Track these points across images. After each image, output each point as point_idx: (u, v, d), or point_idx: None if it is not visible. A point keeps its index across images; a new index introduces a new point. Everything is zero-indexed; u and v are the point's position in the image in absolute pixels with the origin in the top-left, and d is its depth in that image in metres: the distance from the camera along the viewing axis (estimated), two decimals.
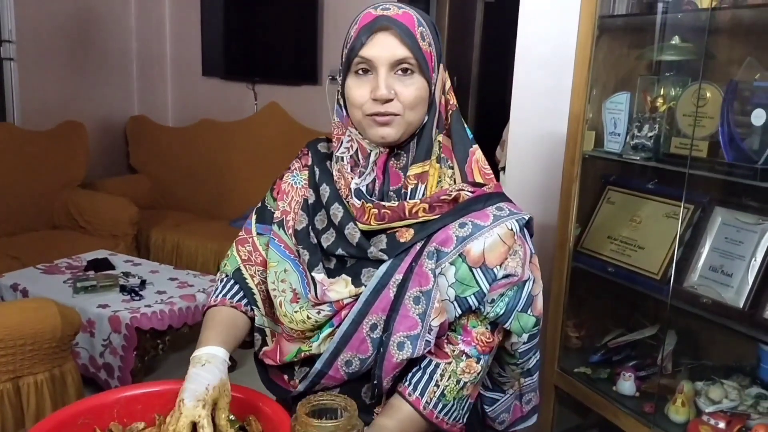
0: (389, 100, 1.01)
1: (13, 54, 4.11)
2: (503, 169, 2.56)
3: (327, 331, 1.08)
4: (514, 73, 2.14)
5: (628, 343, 1.89)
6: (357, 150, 1.10)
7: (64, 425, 1.05)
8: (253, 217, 1.24)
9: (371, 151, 1.08)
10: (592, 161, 1.86)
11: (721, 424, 1.53)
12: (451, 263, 1.02)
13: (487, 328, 1.06)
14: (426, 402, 1.04)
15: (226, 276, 1.23)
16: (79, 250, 3.52)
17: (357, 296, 1.05)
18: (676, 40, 1.74)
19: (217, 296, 1.21)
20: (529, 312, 1.06)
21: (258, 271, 1.21)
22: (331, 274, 1.09)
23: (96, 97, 4.62)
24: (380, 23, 1.01)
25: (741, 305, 1.49)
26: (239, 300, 1.20)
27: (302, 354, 1.11)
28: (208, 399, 0.95)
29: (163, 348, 2.91)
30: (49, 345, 2.24)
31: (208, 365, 1.00)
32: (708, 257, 1.61)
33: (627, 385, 1.77)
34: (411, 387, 1.05)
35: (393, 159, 1.09)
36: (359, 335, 1.05)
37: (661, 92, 1.77)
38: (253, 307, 1.20)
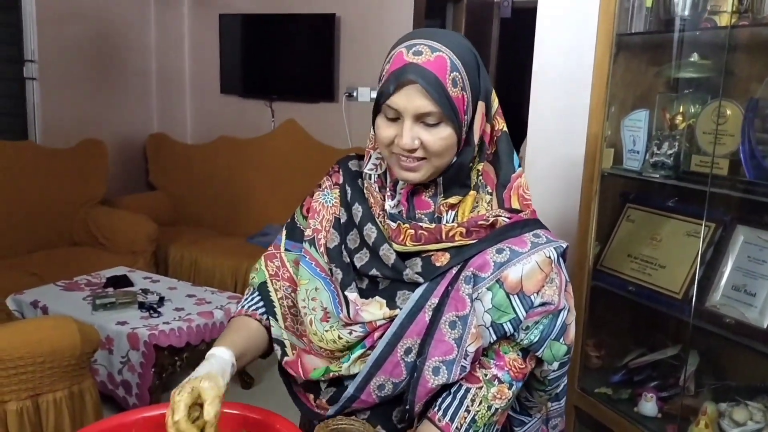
0: (414, 149, 1.01)
1: (35, 74, 4.18)
2: None
3: (358, 352, 1.07)
4: (531, 91, 2.13)
5: (650, 363, 1.86)
6: (386, 171, 1.11)
7: None
8: (283, 233, 1.24)
9: (398, 179, 1.08)
10: (612, 179, 1.85)
11: None
12: (488, 288, 1.01)
13: (518, 355, 1.04)
14: (456, 428, 1.02)
15: (253, 288, 1.25)
16: (99, 267, 3.56)
17: (391, 318, 1.04)
18: (694, 57, 1.73)
19: (240, 307, 1.24)
20: (561, 341, 1.05)
21: (283, 286, 1.21)
22: (363, 294, 1.08)
23: (116, 115, 4.69)
24: (407, 76, 0.98)
25: (765, 325, 1.46)
26: (255, 309, 1.22)
27: (331, 374, 1.10)
28: (186, 385, 0.99)
29: (181, 365, 2.92)
30: (68, 362, 2.25)
31: (204, 362, 1.05)
32: (730, 276, 1.58)
33: (649, 405, 1.74)
34: (441, 412, 1.03)
35: (422, 188, 1.08)
36: (393, 359, 1.04)
37: (681, 109, 1.76)
38: (270, 317, 1.20)
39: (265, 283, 1.22)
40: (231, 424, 1.15)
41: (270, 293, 1.21)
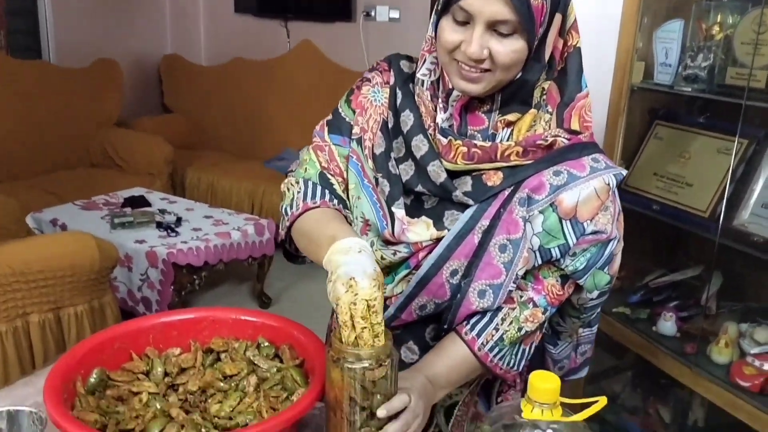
0: (481, 60, 0.92)
1: None
2: None
3: (403, 272, 1.03)
4: None
5: (670, 284, 1.84)
6: (439, 78, 1.02)
7: (101, 348, 1.06)
8: (325, 127, 1.11)
9: (453, 89, 0.98)
10: (641, 94, 1.77)
11: (767, 366, 1.49)
12: (540, 212, 0.97)
13: (557, 281, 1.01)
14: (482, 343, 1.00)
15: (311, 181, 1.08)
16: (116, 188, 3.57)
17: (437, 239, 1.00)
18: None
19: (315, 198, 1.06)
20: (606, 270, 1.01)
21: (339, 181, 1.10)
22: (408, 211, 1.02)
23: (129, 35, 4.60)
24: None
25: None
26: (338, 204, 1.07)
27: None
28: (381, 281, 0.85)
29: (200, 283, 2.95)
30: (87, 277, 2.28)
31: (365, 253, 0.86)
32: (761, 194, 1.53)
33: (668, 325, 1.73)
34: (469, 326, 1.01)
35: (477, 102, 1.00)
36: (438, 280, 1.00)
37: (718, 19, 1.66)
38: (348, 212, 1.08)
39: (323, 174, 1.09)
40: (248, 331, 1.15)
41: (334, 185, 1.08)
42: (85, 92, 4.13)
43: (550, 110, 0.99)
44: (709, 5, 1.70)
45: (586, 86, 0.99)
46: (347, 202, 1.09)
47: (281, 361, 1.09)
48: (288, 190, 1.11)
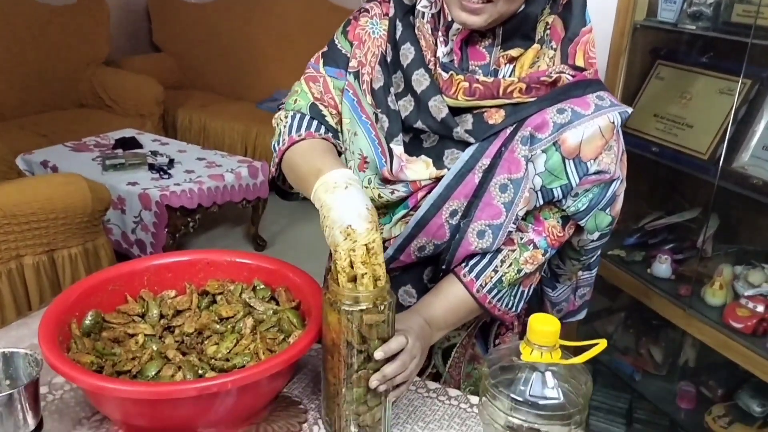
0: None
1: None
2: None
3: (401, 213, 1.01)
4: None
5: (666, 227, 1.84)
6: (440, 11, 0.98)
7: (95, 290, 1.05)
8: (320, 59, 1.07)
9: (453, 21, 0.95)
10: (643, 32, 1.72)
11: (760, 308, 1.50)
12: (543, 151, 0.94)
13: (558, 222, 0.99)
14: (480, 285, 0.99)
15: (299, 112, 1.06)
16: (107, 129, 3.51)
17: (437, 179, 0.97)
18: None
19: (300, 130, 1.03)
20: (607, 211, 0.99)
21: (331, 113, 1.06)
22: (407, 149, 1.00)
23: None
24: None
25: None
26: (327, 133, 1.04)
27: None
28: (375, 219, 0.84)
29: (194, 226, 2.94)
30: (80, 219, 2.25)
31: (352, 188, 0.85)
32: (762, 136, 1.51)
33: (663, 267, 1.73)
34: (467, 268, 1.00)
35: (477, 36, 0.97)
36: (437, 220, 0.98)
37: None
38: (339, 142, 1.05)
39: (314, 105, 1.05)
40: (243, 273, 1.14)
41: (326, 117, 1.05)
42: (72, 30, 4.01)
43: (554, 46, 0.95)
44: None
45: (590, 20, 0.96)
46: (339, 133, 1.06)
47: (277, 304, 1.09)
48: (277, 125, 1.08)
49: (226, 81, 4.44)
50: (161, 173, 2.94)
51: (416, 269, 1.06)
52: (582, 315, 1.23)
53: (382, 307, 0.85)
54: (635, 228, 1.88)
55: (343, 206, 0.83)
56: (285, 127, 1.05)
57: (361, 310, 0.84)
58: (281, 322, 1.03)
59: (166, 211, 2.72)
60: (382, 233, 1.03)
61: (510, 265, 1.00)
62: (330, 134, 1.04)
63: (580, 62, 0.95)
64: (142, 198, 2.74)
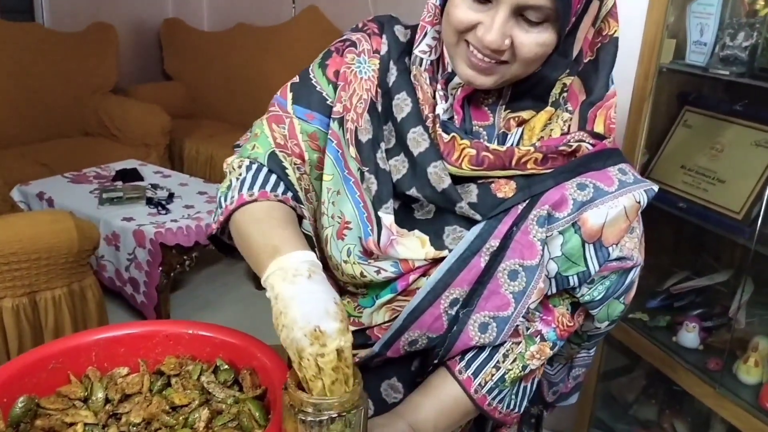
0: (501, 51, 0.74)
1: None
2: None
3: (386, 297, 0.85)
4: None
5: (693, 290, 1.66)
6: (440, 57, 0.83)
7: (32, 369, 0.92)
8: (289, 94, 0.90)
9: (454, 75, 0.81)
10: (670, 76, 1.58)
11: None
12: (561, 232, 0.80)
13: (568, 309, 0.86)
14: (479, 384, 0.84)
15: (256, 161, 0.87)
16: (110, 159, 3.42)
17: (435, 260, 0.82)
18: None
19: (253, 189, 0.83)
20: (621, 299, 0.86)
21: (295, 163, 0.87)
22: (395, 219, 0.83)
23: None
24: None
25: None
26: (284, 193, 0.84)
27: (351, 320, 0.88)
28: (344, 314, 0.69)
29: (190, 264, 2.81)
30: (65, 260, 2.13)
31: (316, 276, 0.70)
32: None
33: (690, 336, 1.56)
34: (463, 364, 0.85)
35: (481, 93, 0.82)
36: (434, 311, 0.83)
37: None
38: (301, 205, 0.86)
39: (274, 154, 0.86)
40: (206, 349, 1.00)
41: (286, 168, 0.86)
42: (80, 58, 3.95)
43: (570, 108, 0.81)
44: None
45: (613, 84, 0.81)
46: (301, 192, 0.87)
47: (240, 389, 0.94)
48: (229, 173, 0.88)
49: (237, 110, 4.35)
50: (159, 208, 2.83)
51: (403, 360, 0.90)
52: (574, 399, 1.08)
53: (352, 415, 0.70)
54: (659, 290, 1.71)
55: (308, 302, 0.67)
56: (237, 179, 0.85)
57: (322, 421, 0.69)
58: (241, 416, 0.88)
59: (161, 249, 2.59)
60: (360, 317, 0.88)
61: (514, 360, 0.84)
62: (289, 194, 0.84)
63: (599, 128, 0.81)
64: (137, 235, 2.62)
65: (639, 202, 0.80)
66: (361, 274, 0.84)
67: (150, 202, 2.87)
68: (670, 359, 1.54)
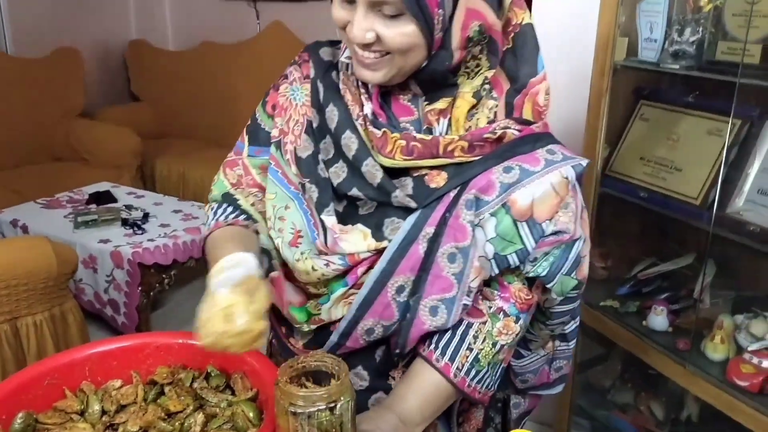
0: (368, 44, 0.81)
1: None
2: None
3: (340, 290, 0.91)
4: None
5: (660, 274, 1.74)
6: None
7: (28, 387, 0.94)
8: (245, 137, 1.04)
9: None
10: (625, 72, 1.65)
11: (766, 363, 1.39)
12: (492, 214, 0.85)
13: (524, 284, 0.90)
14: (457, 368, 0.88)
15: (217, 202, 1.04)
16: (82, 183, 3.41)
17: (377, 251, 0.88)
18: None
19: (210, 223, 1.02)
20: (573, 275, 0.90)
21: (251, 193, 1.02)
22: (342, 219, 0.91)
23: (91, 21, 4.39)
24: None
25: None
26: (237, 217, 1.01)
27: (313, 319, 0.95)
28: (244, 286, 0.80)
29: (170, 283, 2.82)
30: (45, 284, 2.14)
31: (238, 267, 0.82)
32: (757, 179, 1.42)
33: (659, 319, 1.62)
34: (439, 351, 0.89)
35: (397, 89, 0.89)
36: (383, 299, 0.88)
37: None
38: (255, 222, 1.02)
39: (228, 193, 1.03)
40: (197, 357, 1.03)
41: (239, 201, 1.02)
42: (46, 83, 3.93)
43: (496, 96, 0.88)
44: None
45: (543, 67, 0.88)
46: (255, 214, 1.02)
47: (233, 393, 0.98)
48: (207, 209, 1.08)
49: (206, 128, 4.36)
50: (135, 228, 2.83)
51: (367, 350, 0.95)
52: (559, 389, 1.11)
53: (341, 406, 0.75)
54: (628, 277, 1.78)
55: (217, 284, 0.81)
56: (207, 219, 1.05)
57: (312, 413, 0.73)
58: (235, 417, 0.91)
59: (139, 269, 2.60)
60: (320, 314, 0.94)
61: (484, 340, 0.89)
62: (241, 217, 1.00)
63: (527, 114, 0.87)
64: (114, 256, 2.63)
65: (567, 178, 0.85)
66: (312, 267, 0.91)
67: (125, 223, 2.88)
68: (641, 343, 1.61)
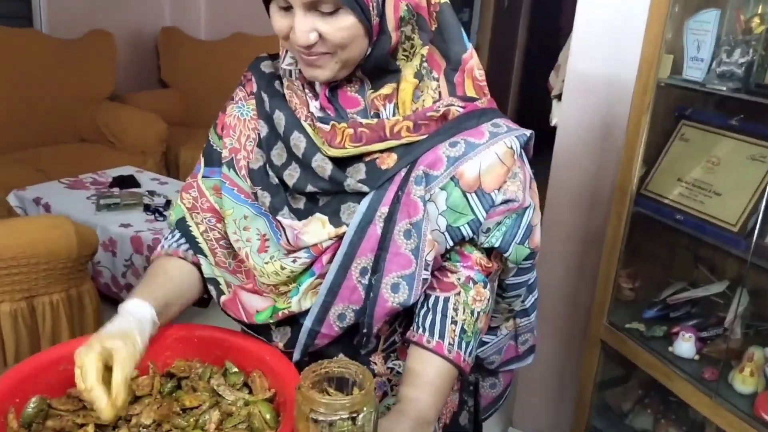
0: (312, 44, 0.82)
1: None
2: (558, 97, 2.30)
3: (307, 281, 0.92)
4: None
5: (689, 300, 1.69)
6: None
7: (42, 371, 0.93)
8: (201, 159, 1.06)
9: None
10: (667, 91, 1.60)
11: None
12: (442, 188, 0.88)
13: (483, 253, 0.93)
14: (449, 344, 0.90)
15: (170, 227, 1.07)
16: (106, 166, 3.42)
17: (338, 237, 0.89)
18: None
19: (162, 247, 1.06)
20: (526, 244, 0.92)
21: (205, 218, 1.03)
22: (302, 215, 0.93)
23: (126, 5, 4.41)
24: None
25: None
26: (177, 247, 1.04)
27: (279, 313, 0.95)
28: (94, 344, 0.81)
29: None
30: (64, 265, 2.14)
31: (116, 318, 0.88)
32: None
33: (686, 346, 1.57)
34: (427, 333, 0.91)
35: (345, 83, 0.91)
36: (349, 283, 0.90)
37: (759, 10, 1.49)
38: (200, 255, 1.03)
39: (183, 219, 1.04)
40: (215, 352, 1.01)
41: (190, 228, 1.04)
42: (78, 65, 3.96)
43: (436, 76, 0.90)
44: None
45: (470, 45, 0.91)
46: (203, 243, 1.02)
47: (250, 391, 0.96)
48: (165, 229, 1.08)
49: None
50: (156, 215, 2.83)
51: (344, 338, 0.95)
52: (528, 360, 1.14)
53: (363, 416, 0.72)
54: (656, 300, 1.73)
55: (108, 327, 0.85)
56: (164, 238, 1.08)
57: (333, 422, 0.71)
58: (252, 417, 0.89)
59: None
60: (290, 306, 0.94)
61: (464, 310, 0.91)
62: (182, 248, 1.03)
63: (470, 92, 0.90)
64: (134, 241, 2.62)
65: (512, 148, 0.88)
66: (281, 267, 0.92)
67: (147, 208, 2.88)
68: (666, 369, 1.56)
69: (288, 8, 0.82)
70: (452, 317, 0.90)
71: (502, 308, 1.04)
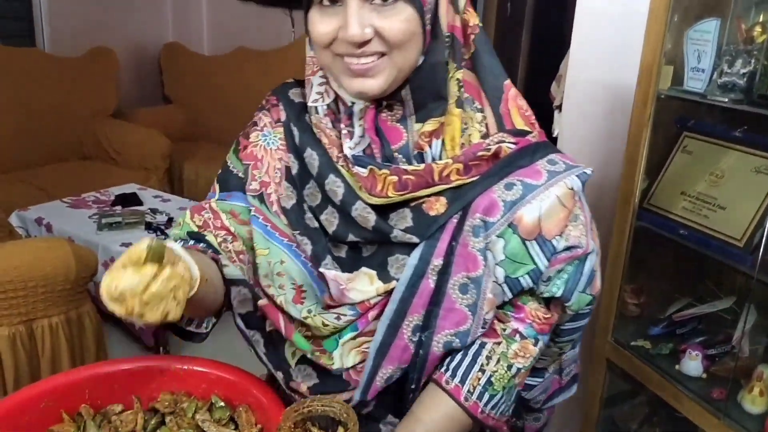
0: (366, 42, 0.75)
1: None
2: (559, 107, 2.27)
3: (348, 335, 0.85)
4: None
5: (696, 317, 1.64)
6: (335, 99, 0.85)
7: (23, 408, 0.91)
8: (216, 186, 0.97)
9: (353, 103, 0.82)
10: (668, 102, 1.57)
11: None
12: (499, 236, 0.80)
13: (541, 303, 0.85)
14: (468, 391, 0.84)
15: (179, 238, 0.96)
16: (109, 183, 3.41)
17: (386, 293, 0.83)
18: None
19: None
20: (587, 291, 0.85)
21: (220, 234, 0.93)
22: (345, 265, 0.85)
23: (128, 22, 4.43)
24: None
25: None
26: (195, 245, 0.92)
27: (314, 357, 0.89)
28: (172, 256, 0.70)
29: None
30: (62, 287, 2.12)
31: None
32: None
33: (693, 364, 1.53)
34: (449, 373, 0.85)
35: (385, 111, 0.83)
36: (399, 343, 0.83)
37: (760, 19, 1.45)
38: (214, 253, 0.92)
39: (193, 231, 0.94)
40: (201, 385, 0.98)
41: (206, 236, 0.93)
42: (80, 82, 3.96)
43: (479, 106, 0.82)
44: (750, 2, 1.50)
45: (506, 74, 0.84)
46: (223, 254, 0.92)
47: (236, 426, 0.93)
48: None
49: (236, 134, 4.28)
50: (158, 233, 2.81)
51: (388, 393, 0.89)
52: (572, 391, 1.06)
53: None
54: (661, 317, 1.69)
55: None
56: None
57: None
58: None
59: None
60: (332, 363, 0.87)
61: (498, 361, 0.84)
62: (200, 245, 0.91)
63: (519, 124, 0.82)
64: None
65: (572, 189, 0.81)
66: (323, 323, 0.85)
67: (149, 226, 2.86)
68: (673, 387, 1.52)
69: (334, 2, 0.75)
70: (482, 365, 0.84)
71: (552, 352, 0.97)
